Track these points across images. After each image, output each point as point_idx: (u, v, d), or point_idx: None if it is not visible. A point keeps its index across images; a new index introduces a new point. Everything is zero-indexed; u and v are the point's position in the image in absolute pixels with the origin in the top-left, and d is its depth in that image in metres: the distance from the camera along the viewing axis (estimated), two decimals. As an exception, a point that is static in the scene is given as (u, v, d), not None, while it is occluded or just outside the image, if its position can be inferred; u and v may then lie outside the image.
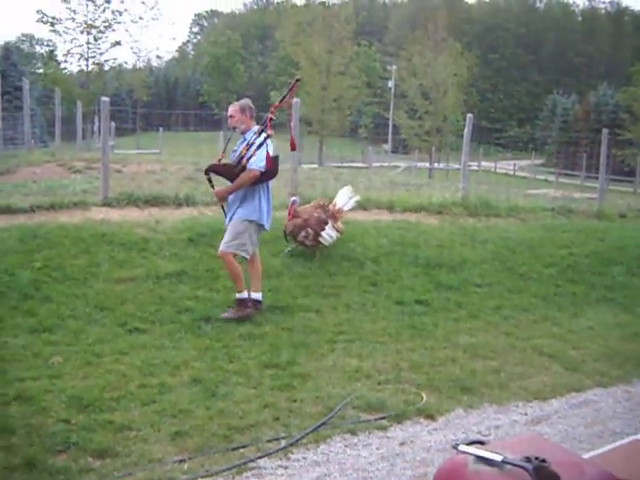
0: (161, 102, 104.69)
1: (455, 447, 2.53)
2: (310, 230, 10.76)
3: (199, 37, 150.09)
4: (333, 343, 8.11)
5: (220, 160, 8.97)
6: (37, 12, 51.59)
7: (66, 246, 10.15)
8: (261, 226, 8.77)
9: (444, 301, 10.17)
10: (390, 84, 69.36)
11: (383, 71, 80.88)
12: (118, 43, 54.48)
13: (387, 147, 64.13)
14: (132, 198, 12.59)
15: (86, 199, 12.39)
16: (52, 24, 52.14)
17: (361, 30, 74.10)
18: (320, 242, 10.91)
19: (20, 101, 32.30)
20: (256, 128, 8.60)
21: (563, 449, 2.78)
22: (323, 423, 5.90)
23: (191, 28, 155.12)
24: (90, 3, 51.87)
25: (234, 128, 8.81)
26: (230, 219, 8.76)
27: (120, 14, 53.31)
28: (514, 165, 64.96)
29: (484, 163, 53.49)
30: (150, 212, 12.18)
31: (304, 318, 9.00)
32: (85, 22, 52.14)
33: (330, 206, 11.36)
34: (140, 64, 74.33)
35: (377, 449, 5.64)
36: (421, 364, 7.56)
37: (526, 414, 6.73)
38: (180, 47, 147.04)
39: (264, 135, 8.43)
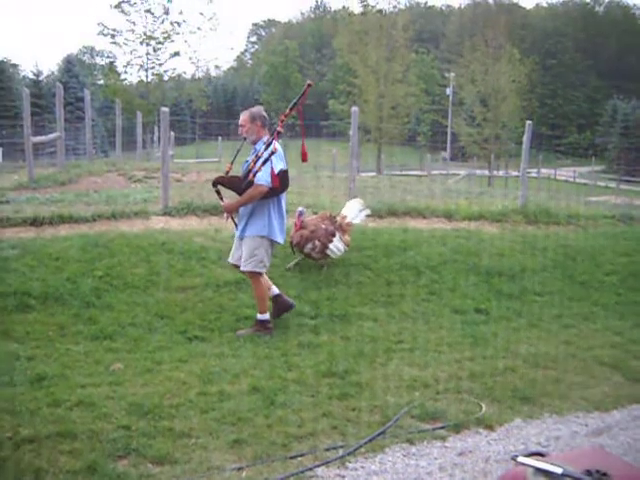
0: (220, 111, 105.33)
1: (514, 459, 2.50)
2: (317, 242, 10.43)
3: (257, 46, 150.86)
4: (391, 352, 8.07)
5: (227, 172, 8.62)
6: (98, 24, 52.17)
7: (127, 255, 10.29)
8: (274, 241, 8.57)
9: (503, 310, 10.09)
10: (448, 91, 68.89)
11: (441, 78, 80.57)
12: (177, 54, 54.87)
13: (446, 155, 63.72)
14: (191, 207, 12.71)
15: (146, 208, 12.54)
16: (112, 36, 52.70)
17: (418, 37, 73.95)
18: (327, 255, 10.61)
19: (82, 112, 32.80)
20: (266, 138, 8.36)
21: (625, 462, 2.71)
22: (381, 432, 5.88)
23: (249, 38, 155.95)
24: (149, 15, 52.35)
25: (244, 138, 8.56)
26: (241, 233, 8.58)
27: (179, 25, 53.70)
28: (574, 172, 64.06)
29: (543, 170, 52.94)
30: (209, 221, 12.28)
31: (362, 327, 9.00)
32: (144, 34, 52.61)
33: (338, 218, 11.03)
34: (199, 74, 74.95)
35: (435, 459, 5.60)
36: (480, 373, 7.49)
37: (587, 425, 6.60)
38: (238, 57, 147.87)
39: (270, 150, 8.15)
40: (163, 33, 52.87)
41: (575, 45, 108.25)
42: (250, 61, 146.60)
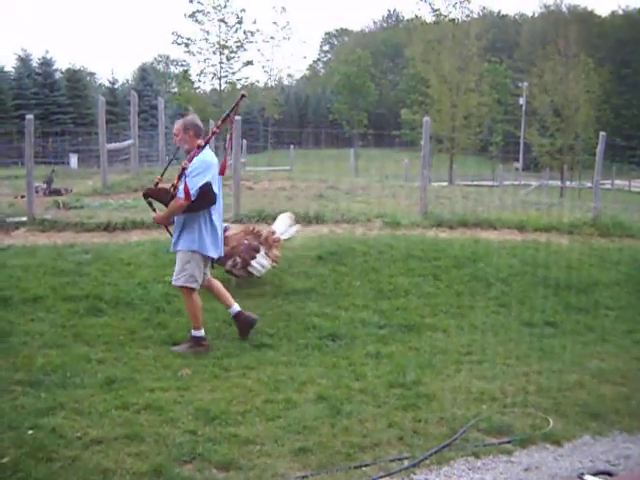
0: (292, 120, 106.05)
1: (581, 477, 2.45)
2: (238, 258, 9.76)
3: (329, 55, 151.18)
4: (460, 364, 8.00)
5: (157, 184, 8.44)
6: (172, 34, 52.89)
7: (197, 261, 10.37)
8: (205, 256, 8.18)
9: (573, 323, 9.95)
10: (521, 101, 68.15)
11: (514, 88, 79.68)
12: (250, 62, 55.33)
13: (518, 165, 63.00)
14: (263, 215, 12.80)
15: (218, 215, 12.65)
16: (186, 45, 53.34)
17: (491, 47, 73.19)
18: (250, 272, 9.93)
19: (155, 119, 33.22)
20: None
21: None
22: (447, 445, 5.83)
23: (321, 46, 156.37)
24: (223, 24, 52.88)
25: (178, 147, 8.39)
26: (173, 247, 8.25)
27: (252, 34, 54.12)
28: (649, 184, 63.01)
29: (617, 181, 52.06)
30: (279, 229, 12.34)
31: (431, 338, 8.96)
32: (218, 42, 53.14)
33: (264, 232, 10.33)
34: (271, 83, 75.21)
35: (501, 473, 5.52)
36: (548, 388, 7.37)
37: (658, 445, 6.47)
38: (311, 65, 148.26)
39: (194, 163, 7.95)
40: (236, 42, 53.36)
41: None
42: (322, 70, 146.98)
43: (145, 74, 76.38)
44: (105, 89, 77.10)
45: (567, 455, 5.96)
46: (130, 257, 10.47)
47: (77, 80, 71.64)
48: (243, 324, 8.52)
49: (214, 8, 52.25)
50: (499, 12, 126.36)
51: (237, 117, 13.34)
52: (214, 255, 8.24)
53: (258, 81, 64.79)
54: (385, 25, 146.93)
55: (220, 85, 54.12)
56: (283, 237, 10.51)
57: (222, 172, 8.36)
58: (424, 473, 5.39)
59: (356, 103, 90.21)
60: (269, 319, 9.14)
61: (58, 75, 72.80)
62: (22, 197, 15.30)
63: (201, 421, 5.97)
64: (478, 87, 58.84)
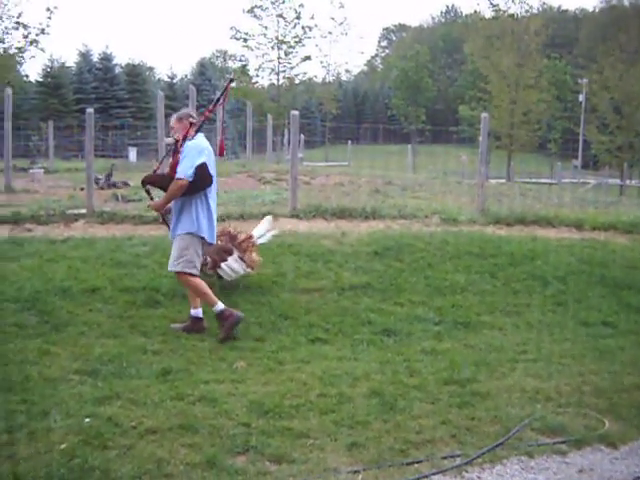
0: (350, 115, 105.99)
1: (637, 480, 2.41)
2: (209, 259, 9.19)
3: (387, 51, 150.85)
4: (514, 362, 7.91)
5: (155, 171, 8.61)
6: (231, 29, 53.30)
7: (254, 255, 10.43)
8: (202, 238, 8.22)
9: (632, 324, 9.77)
10: (581, 98, 67.20)
11: (574, 84, 78.73)
12: (308, 58, 55.58)
13: (576, 163, 62.20)
14: (319, 210, 12.82)
15: (275, 210, 12.73)
16: (245, 40, 53.78)
17: (551, 42, 72.35)
18: (220, 275, 9.48)
19: (214, 114, 33.31)
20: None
21: None
22: (500, 443, 5.78)
23: (379, 42, 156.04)
24: (281, 20, 53.18)
25: (176, 140, 8.35)
26: (172, 233, 8.32)
27: (310, 29, 54.40)
28: None
29: (680, 180, 51.22)
30: (337, 224, 12.37)
31: (486, 335, 8.89)
32: (276, 38, 53.47)
33: (242, 236, 9.87)
34: (329, 78, 75.39)
35: (554, 474, 5.45)
36: (604, 389, 7.25)
37: None
38: (368, 61, 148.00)
39: (189, 142, 8.07)
40: (294, 37, 53.68)
41: None
42: (380, 65, 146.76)
43: (203, 69, 76.79)
44: (164, 84, 77.65)
45: (622, 458, 5.86)
46: (187, 250, 10.55)
47: (136, 75, 72.23)
48: (193, 325, 8.44)
49: (272, 3, 52.63)
50: (559, 7, 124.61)
51: (295, 112, 13.38)
52: (208, 239, 8.29)
53: (316, 76, 64.80)
54: (443, 20, 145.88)
55: (278, 80, 54.43)
56: (260, 241, 10.14)
57: (220, 153, 8.66)
58: (476, 471, 5.36)
59: (414, 99, 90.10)
60: (324, 313, 9.16)
61: (118, 70, 73.50)
62: (82, 189, 15.51)
63: (255, 414, 6.00)
64: (537, 83, 58.24)
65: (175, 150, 8.23)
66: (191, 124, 8.24)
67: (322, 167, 29.88)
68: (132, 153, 38.39)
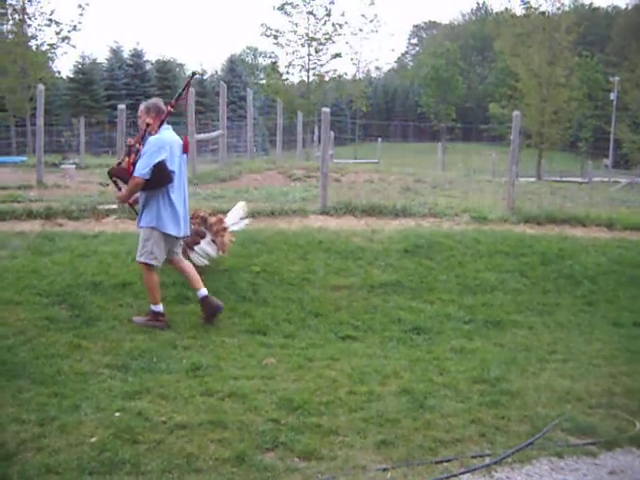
0: (380, 112, 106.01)
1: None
2: (182, 242, 8.90)
3: (418, 48, 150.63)
4: (545, 362, 7.87)
5: (120, 163, 8.52)
6: (261, 26, 53.30)
7: (284, 252, 10.46)
8: (165, 233, 8.21)
9: (665, 325, 9.70)
10: (612, 96, 66.70)
11: (605, 82, 78.14)
12: (338, 55, 55.49)
13: (607, 162, 61.77)
14: (349, 207, 12.80)
15: (305, 207, 12.72)
16: (275, 37, 53.76)
17: (582, 40, 71.66)
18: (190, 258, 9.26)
19: (243, 110, 33.49)
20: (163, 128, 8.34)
21: None
22: (530, 443, 5.75)
23: (410, 39, 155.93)
24: (311, 16, 53.16)
25: (145, 130, 8.38)
26: (137, 224, 8.41)
27: (340, 27, 54.26)
28: None
29: None
30: (367, 222, 12.34)
31: (516, 335, 8.86)
32: (306, 35, 53.45)
33: (213, 218, 9.79)
34: (359, 75, 75.36)
35: (584, 475, 5.41)
36: (636, 390, 7.17)
37: None
38: (399, 58, 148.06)
39: (149, 142, 8.10)
40: (325, 34, 53.62)
41: None
42: (411, 63, 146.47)
43: (234, 65, 76.93)
44: (194, 80, 77.94)
45: (654, 460, 5.81)
46: (217, 246, 10.58)
47: (167, 71, 72.43)
48: (209, 309, 8.48)
49: (303, 0, 52.54)
50: (591, 4, 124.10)
51: (325, 109, 13.36)
52: (174, 233, 8.25)
53: (346, 73, 64.81)
54: (474, 18, 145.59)
55: (308, 77, 54.38)
56: (233, 228, 10.04)
57: (185, 150, 8.48)
58: (505, 471, 5.33)
59: (444, 96, 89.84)
60: (354, 311, 9.16)
61: (148, 66, 73.74)
62: (107, 185, 15.56)
63: (284, 410, 6.00)
64: (568, 81, 57.71)
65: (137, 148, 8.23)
66: (157, 117, 8.28)
67: (352, 164, 29.84)
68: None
